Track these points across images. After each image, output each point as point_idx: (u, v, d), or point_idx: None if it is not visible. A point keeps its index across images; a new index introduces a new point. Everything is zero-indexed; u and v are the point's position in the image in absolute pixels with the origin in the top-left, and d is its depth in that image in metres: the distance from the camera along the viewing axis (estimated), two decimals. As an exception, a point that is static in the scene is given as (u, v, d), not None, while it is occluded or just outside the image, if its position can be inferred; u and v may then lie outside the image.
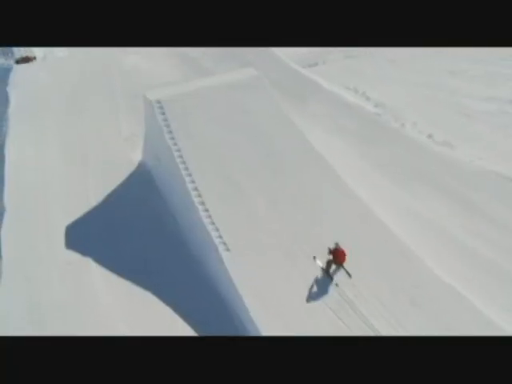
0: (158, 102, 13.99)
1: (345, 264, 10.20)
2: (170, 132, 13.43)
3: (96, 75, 22.29)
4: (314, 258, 10.77)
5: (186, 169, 12.61)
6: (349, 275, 10.32)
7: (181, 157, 12.87)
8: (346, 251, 10.12)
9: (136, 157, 16.21)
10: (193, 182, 12.31)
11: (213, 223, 11.36)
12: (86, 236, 12.95)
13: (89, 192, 14.68)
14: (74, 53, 23.95)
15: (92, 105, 19.69)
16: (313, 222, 11.67)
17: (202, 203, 11.84)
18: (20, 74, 22.88)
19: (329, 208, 12.07)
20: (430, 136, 16.45)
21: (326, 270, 10.44)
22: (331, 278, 10.34)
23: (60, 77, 22.23)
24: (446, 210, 13.05)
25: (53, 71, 22.98)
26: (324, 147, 14.12)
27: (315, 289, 10.11)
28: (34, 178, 15.54)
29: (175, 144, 13.19)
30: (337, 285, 10.18)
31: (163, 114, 13.77)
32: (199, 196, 12.01)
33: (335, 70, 22.61)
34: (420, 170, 14.70)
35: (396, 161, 15.21)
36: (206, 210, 11.66)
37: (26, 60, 23.94)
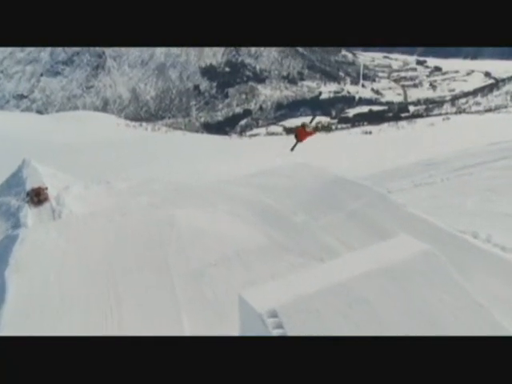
0: (273, 314, 7.14)
1: None
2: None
3: (138, 239, 14.06)
4: None
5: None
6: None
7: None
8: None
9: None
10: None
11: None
12: None
13: None
14: (99, 198, 20.25)
15: (138, 296, 12.31)
16: None
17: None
18: (27, 246, 14.09)
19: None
20: None
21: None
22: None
23: (84, 248, 14.21)
24: None
25: (74, 238, 15.49)
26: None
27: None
28: None
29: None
30: None
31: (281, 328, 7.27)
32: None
33: (415, 202, 16.06)
34: None
35: None
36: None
37: (37, 195, 20.42)
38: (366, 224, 12.31)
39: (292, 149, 10.99)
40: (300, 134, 10.67)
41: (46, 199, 20.92)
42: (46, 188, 21.34)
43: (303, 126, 10.73)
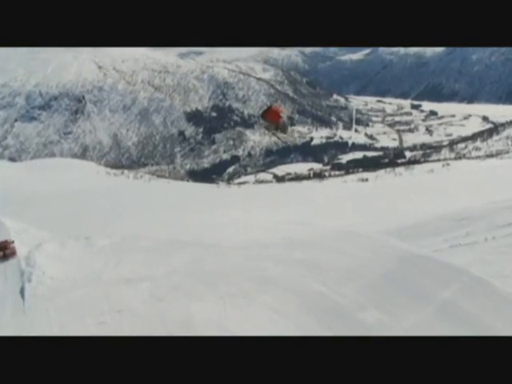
0: None
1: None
2: None
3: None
4: None
5: None
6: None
7: None
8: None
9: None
10: None
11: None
12: None
13: None
14: (77, 257, 19.84)
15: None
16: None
17: None
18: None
19: None
20: None
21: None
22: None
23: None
24: None
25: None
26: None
27: None
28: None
29: None
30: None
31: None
32: None
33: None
34: None
35: None
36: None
37: (1, 249, 19.42)
38: (462, 320, 8.93)
39: (279, 138, 11.03)
40: (269, 115, 10.57)
41: (12, 254, 19.55)
42: (13, 241, 19.93)
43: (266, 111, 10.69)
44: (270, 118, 10.40)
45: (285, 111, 10.74)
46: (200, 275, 18.85)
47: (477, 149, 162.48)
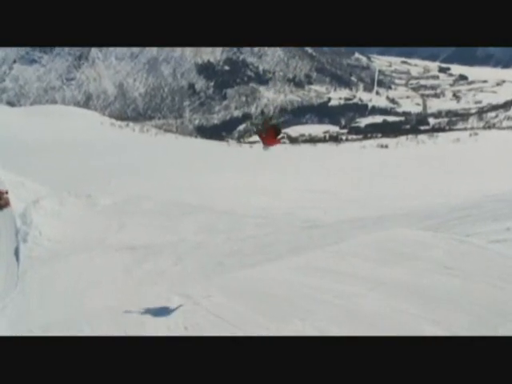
0: None
1: None
2: None
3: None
4: None
5: None
6: None
7: None
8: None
9: None
10: None
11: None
12: None
13: None
14: (76, 216, 19.74)
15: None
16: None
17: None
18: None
19: None
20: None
21: None
22: None
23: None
24: None
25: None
26: None
27: None
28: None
29: None
30: None
31: None
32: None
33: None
34: None
35: None
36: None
37: None
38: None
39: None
40: (265, 139, 9.93)
41: (5, 204, 19.19)
42: (7, 192, 19.40)
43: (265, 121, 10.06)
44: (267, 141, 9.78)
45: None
46: (211, 248, 17.96)
47: (509, 118, 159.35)
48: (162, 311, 8.54)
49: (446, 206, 21.73)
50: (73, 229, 19.64)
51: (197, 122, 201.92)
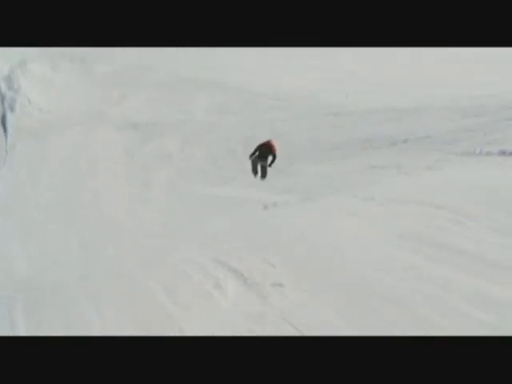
0: None
1: None
2: None
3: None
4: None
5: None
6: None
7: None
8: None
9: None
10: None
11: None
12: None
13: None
14: (71, 83, 18.75)
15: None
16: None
17: None
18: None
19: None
20: None
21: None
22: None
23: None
24: None
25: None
26: None
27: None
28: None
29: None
30: None
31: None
32: None
33: None
34: None
35: None
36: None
37: None
38: None
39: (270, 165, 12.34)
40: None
41: None
42: None
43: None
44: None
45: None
46: (222, 132, 16.94)
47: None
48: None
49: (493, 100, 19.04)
50: (67, 98, 18.53)
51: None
